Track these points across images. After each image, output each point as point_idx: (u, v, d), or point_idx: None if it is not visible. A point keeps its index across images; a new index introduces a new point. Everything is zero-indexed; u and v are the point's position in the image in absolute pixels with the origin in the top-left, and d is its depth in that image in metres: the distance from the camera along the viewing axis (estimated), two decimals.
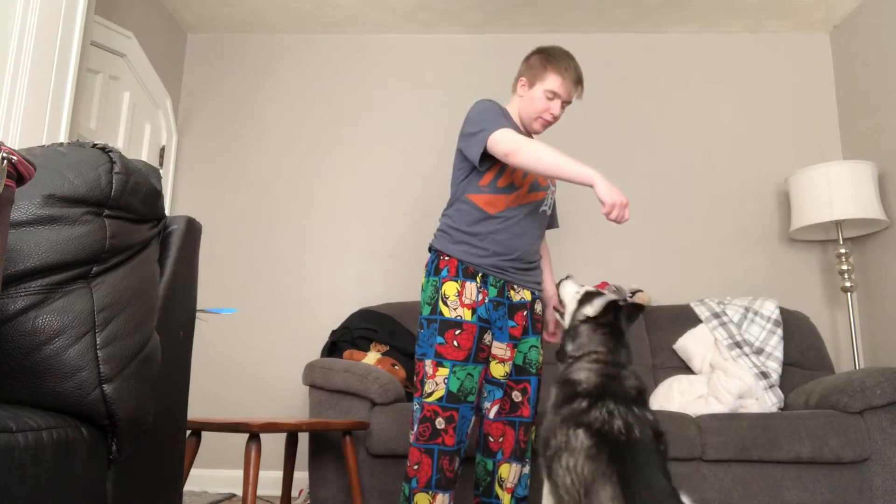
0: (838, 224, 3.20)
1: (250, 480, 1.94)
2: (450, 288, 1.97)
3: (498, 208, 2.02)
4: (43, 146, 1.12)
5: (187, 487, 3.26)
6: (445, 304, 1.96)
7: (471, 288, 1.97)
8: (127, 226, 1.11)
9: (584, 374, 1.77)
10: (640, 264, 3.56)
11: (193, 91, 3.88)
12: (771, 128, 3.70)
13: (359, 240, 3.66)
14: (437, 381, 1.94)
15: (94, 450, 1.01)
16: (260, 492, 3.23)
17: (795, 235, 3.47)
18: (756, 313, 3.05)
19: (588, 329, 1.85)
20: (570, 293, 1.97)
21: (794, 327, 3.04)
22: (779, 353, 2.94)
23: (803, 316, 3.12)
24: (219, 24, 3.86)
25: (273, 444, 3.24)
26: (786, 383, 2.90)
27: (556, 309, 2.12)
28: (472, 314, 1.95)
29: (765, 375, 2.85)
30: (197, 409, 3.38)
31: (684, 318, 3.12)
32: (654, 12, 3.65)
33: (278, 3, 3.64)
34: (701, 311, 3.11)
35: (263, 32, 3.92)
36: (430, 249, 2.09)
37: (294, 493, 3.16)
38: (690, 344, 3.02)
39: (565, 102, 2.10)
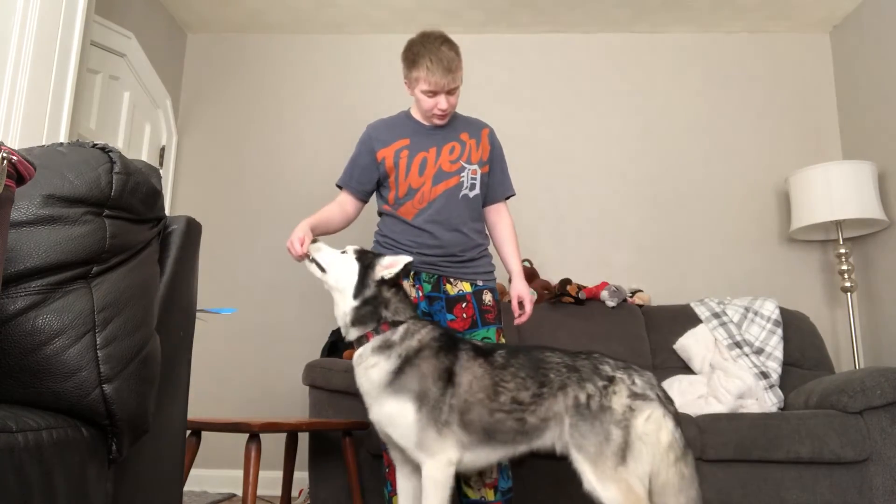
0: (838, 224, 3.20)
1: (250, 480, 1.94)
2: None
3: (411, 214, 2.09)
4: (43, 146, 1.12)
5: (187, 487, 3.25)
6: None
7: (407, 287, 2.02)
8: (127, 226, 1.11)
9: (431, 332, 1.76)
10: (640, 264, 3.56)
11: (193, 91, 3.88)
12: (771, 128, 3.70)
13: (359, 239, 3.65)
14: None
15: (94, 450, 1.01)
16: (260, 492, 3.23)
17: (795, 235, 3.46)
18: (756, 313, 3.04)
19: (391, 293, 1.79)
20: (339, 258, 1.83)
21: (794, 327, 3.03)
22: (779, 353, 2.94)
23: (803, 316, 3.12)
24: (219, 24, 3.86)
25: (273, 444, 3.23)
26: (786, 383, 2.90)
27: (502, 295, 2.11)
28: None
29: (765, 375, 2.85)
30: (197, 409, 3.35)
31: (684, 318, 3.11)
32: (654, 12, 3.64)
33: (278, 3, 3.64)
34: (701, 311, 3.11)
35: (263, 32, 3.91)
36: None
37: (294, 493, 3.16)
38: (690, 344, 3.02)
39: (450, 91, 2.03)
